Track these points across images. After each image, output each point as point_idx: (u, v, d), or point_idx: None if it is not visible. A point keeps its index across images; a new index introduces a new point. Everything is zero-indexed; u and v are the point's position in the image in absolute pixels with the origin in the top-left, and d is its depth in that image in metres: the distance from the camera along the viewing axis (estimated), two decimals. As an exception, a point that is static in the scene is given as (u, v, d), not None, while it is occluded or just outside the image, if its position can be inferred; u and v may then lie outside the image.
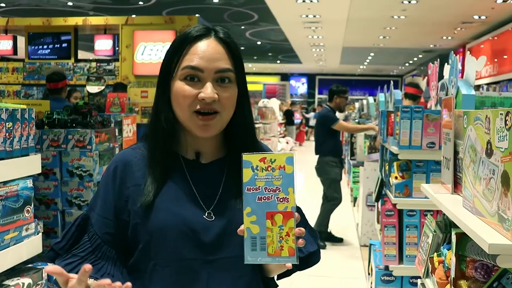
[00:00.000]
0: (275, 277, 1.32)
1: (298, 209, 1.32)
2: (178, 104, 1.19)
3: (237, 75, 1.22)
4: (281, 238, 1.04)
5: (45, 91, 5.56)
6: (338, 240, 5.77)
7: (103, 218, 1.20)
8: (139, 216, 1.18)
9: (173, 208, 1.18)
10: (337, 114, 6.05)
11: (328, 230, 5.81)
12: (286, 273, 1.30)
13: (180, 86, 1.18)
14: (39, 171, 2.17)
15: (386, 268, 3.07)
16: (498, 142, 1.13)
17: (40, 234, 2.15)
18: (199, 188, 1.21)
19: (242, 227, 1.04)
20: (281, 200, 1.05)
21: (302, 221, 1.31)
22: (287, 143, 14.34)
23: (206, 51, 1.19)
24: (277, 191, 1.05)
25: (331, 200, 5.67)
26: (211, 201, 1.21)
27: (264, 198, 1.05)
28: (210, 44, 1.20)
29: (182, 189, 1.21)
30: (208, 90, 1.16)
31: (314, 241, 1.32)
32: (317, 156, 5.79)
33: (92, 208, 1.23)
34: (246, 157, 1.06)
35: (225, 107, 1.19)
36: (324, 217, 5.71)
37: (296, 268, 1.27)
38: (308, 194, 7.85)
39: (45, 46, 8.03)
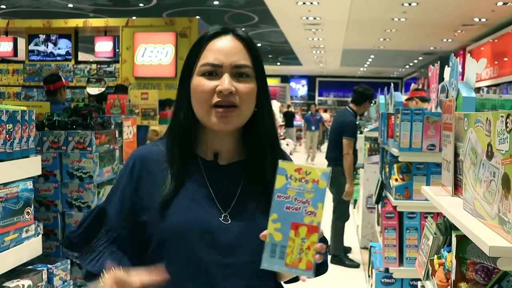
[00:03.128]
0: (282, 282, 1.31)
1: None
2: (196, 99, 1.19)
3: (256, 73, 1.21)
4: (301, 250, 1.04)
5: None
6: (355, 266, 5.13)
7: (120, 213, 1.20)
8: (155, 214, 1.17)
9: (190, 209, 1.17)
10: None
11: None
12: (295, 279, 1.29)
13: (198, 81, 1.18)
14: (39, 172, 2.17)
15: (386, 270, 3.06)
16: (499, 144, 1.13)
17: (40, 235, 2.15)
18: (217, 190, 1.20)
19: (265, 232, 1.04)
20: (309, 213, 1.04)
21: None
22: (287, 145, 14.33)
23: (224, 47, 1.19)
24: (306, 204, 1.05)
25: (339, 217, 5.14)
26: (228, 204, 1.19)
27: (293, 208, 1.05)
28: (228, 40, 1.20)
29: (199, 190, 1.20)
30: (225, 83, 1.15)
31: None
32: (328, 163, 5.12)
33: (108, 202, 1.23)
34: (282, 164, 1.06)
35: (244, 101, 1.18)
36: (340, 239, 5.17)
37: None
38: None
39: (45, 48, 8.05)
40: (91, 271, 1.17)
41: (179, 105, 1.24)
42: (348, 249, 5.43)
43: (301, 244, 1.04)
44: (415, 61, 19.58)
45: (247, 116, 1.21)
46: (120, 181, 1.23)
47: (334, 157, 5.09)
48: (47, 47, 7.97)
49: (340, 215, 5.17)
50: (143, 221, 1.18)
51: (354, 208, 7.14)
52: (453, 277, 1.45)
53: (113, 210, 1.21)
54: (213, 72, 1.18)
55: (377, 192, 3.51)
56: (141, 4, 10.69)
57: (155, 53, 7.58)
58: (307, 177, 1.05)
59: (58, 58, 7.97)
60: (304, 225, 1.04)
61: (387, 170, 3.18)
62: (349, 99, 5.53)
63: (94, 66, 7.86)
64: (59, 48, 7.97)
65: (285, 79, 28.66)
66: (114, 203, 1.21)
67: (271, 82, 27.88)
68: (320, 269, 1.29)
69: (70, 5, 10.79)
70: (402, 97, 3.65)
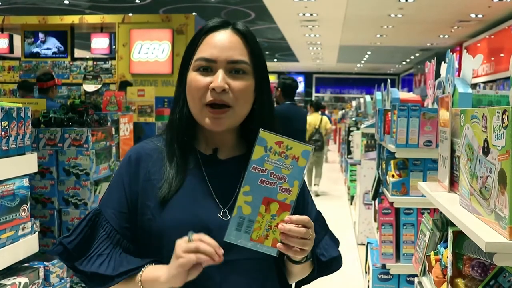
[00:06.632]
0: (293, 285, 1.30)
1: (319, 214, 1.29)
2: (191, 96, 1.16)
3: (254, 68, 1.18)
4: (269, 227, 1.01)
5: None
6: None
7: (119, 213, 1.16)
8: (151, 211, 1.14)
9: (188, 206, 1.14)
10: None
11: None
12: (305, 281, 1.28)
13: (193, 77, 1.16)
14: (36, 170, 2.17)
15: (383, 266, 3.07)
16: (495, 140, 1.13)
17: (37, 233, 2.15)
18: (216, 185, 1.17)
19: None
20: (284, 190, 1.01)
21: (322, 226, 1.29)
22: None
23: (220, 41, 1.15)
24: (282, 180, 1.01)
25: None
26: (227, 199, 1.16)
27: (267, 182, 1.00)
28: (226, 34, 1.17)
29: (197, 185, 1.17)
30: (218, 79, 1.12)
31: (336, 247, 1.29)
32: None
33: (104, 203, 1.19)
34: (263, 134, 1.00)
35: (238, 100, 1.14)
36: None
37: (318, 274, 1.24)
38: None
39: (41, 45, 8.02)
40: (105, 274, 1.11)
41: (176, 101, 1.21)
42: None
43: (270, 221, 1.01)
44: (412, 57, 19.59)
45: (242, 115, 1.18)
46: (117, 181, 1.20)
47: None
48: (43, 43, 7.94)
49: None
50: (142, 219, 1.16)
51: (351, 204, 7.16)
52: (449, 273, 1.45)
53: (112, 211, 1.17)
54: (208, 67, 1.15)
55: (374, 188, 3.51)
56: (137, 1, 10.66)
57: (152, 49, 7.56)
58: (287, 152, 1.00)
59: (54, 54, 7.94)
60: (277, 201, 1.01)
61: (384, 166, 3.18)
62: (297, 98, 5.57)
63: (90, 63, 7.84)
64: (59, 44, 7.95)
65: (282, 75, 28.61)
66: (112, 203, 1.18)
67: (268, 79, 27.83)
68: (334, 265, 1.28)
69: (66, 2, 10.75)
70: (398, 93, 3.65)
